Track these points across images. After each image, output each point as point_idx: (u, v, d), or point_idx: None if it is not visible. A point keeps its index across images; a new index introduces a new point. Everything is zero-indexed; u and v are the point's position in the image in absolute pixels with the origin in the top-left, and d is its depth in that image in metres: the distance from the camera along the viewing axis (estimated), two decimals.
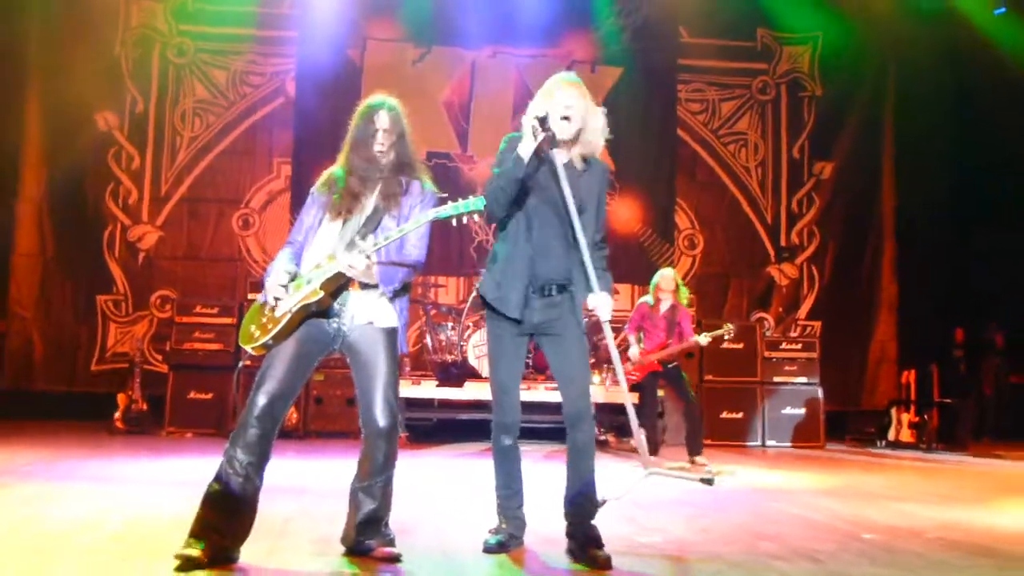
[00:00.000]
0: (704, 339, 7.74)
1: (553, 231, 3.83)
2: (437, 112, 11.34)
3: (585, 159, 3.93)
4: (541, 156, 3.77)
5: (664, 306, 7.98)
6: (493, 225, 3.98)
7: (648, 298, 8.08)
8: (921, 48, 11.45)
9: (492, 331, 3.95)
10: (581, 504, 3.80)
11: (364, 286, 3.65)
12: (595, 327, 9.43)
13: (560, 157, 3.80)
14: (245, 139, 11.28)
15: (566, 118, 3.78)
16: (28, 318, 10.64)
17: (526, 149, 3.73)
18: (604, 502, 3.80)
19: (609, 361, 9.50)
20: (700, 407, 8.29)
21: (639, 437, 3.86)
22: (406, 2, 11.17)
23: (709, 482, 3.91)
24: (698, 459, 7.62)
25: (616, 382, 9.23)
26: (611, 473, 6.62)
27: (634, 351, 7.96)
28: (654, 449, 7.79)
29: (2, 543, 3.78)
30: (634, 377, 7.92)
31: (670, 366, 7.86)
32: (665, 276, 8.06)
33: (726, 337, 8.11)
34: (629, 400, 3.97)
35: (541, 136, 3.70)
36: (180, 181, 11.11)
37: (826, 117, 12.10)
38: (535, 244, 3.82)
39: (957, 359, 11.64)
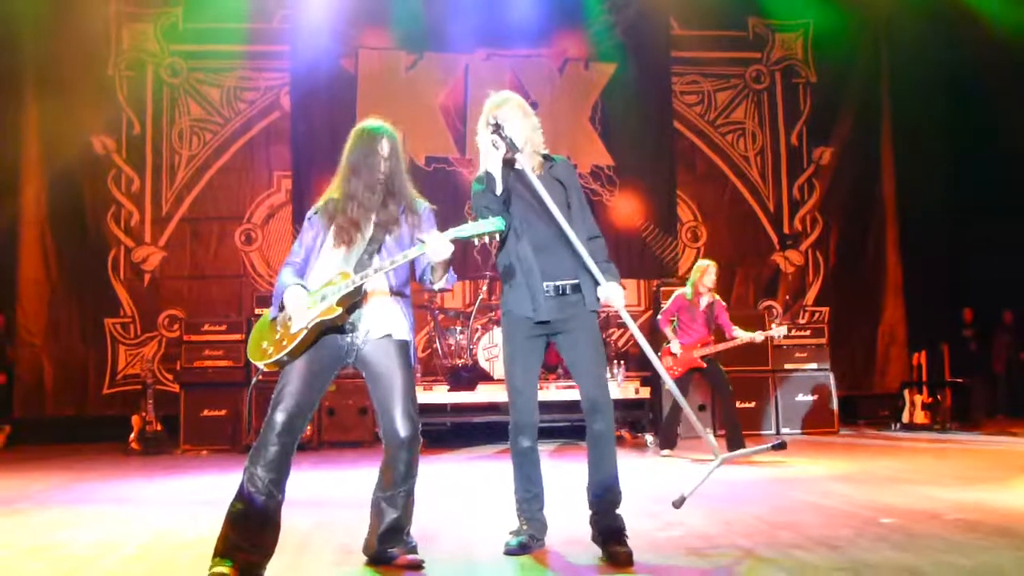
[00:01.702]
0: (760, 336, 7.73)
1: (545, 232, 3.86)
2: (433, 117, 11.36)
3: (544, 158, 4.01)
4: (508, 165, 3.83)
5: (704, 300, 7.84)
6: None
7: (687, 290, 7.89)
8: (912, 26, 11.43)
9: (507, 333, 3.98)
10: (603, 495, 3.82)
11: (376, 298, 3.67)
12: (605, 323, 9.46)
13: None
14: (243, 155, 11.33)
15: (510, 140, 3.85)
16: (37, 344, 10.69)
17: (494, 163, 3.82)
18: (683, 499, 3.81)
19: (617, 357, 9.50)
20: None
21: (698, 425, 3.88)
22: (396, 10, 11.20)
23: (782, 446, 3.99)
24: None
25: (630, 376, 9.26)
26: (659, 486, 6.60)
27: (676, 346, 7.79)
28: (671, 443, 7.75)
29: (23, 568, 3.79)
30: (676, 372, 7.75)
31: (709, 360, 7.74)
32: (708, 269, 7.83)
33: (778, 336, 8.08)
34: (673, 385, 4.03)
35: (503, 146, 3.78)
36: (181, 200, 11.15)
37: (822, 102, 12.10)
38: (533, 249, 3.85)
39: (967, 339, 11.63)
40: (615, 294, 3.82)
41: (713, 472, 3.85)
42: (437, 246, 3.50)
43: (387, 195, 3.76)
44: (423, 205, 3.84)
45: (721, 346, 7.76)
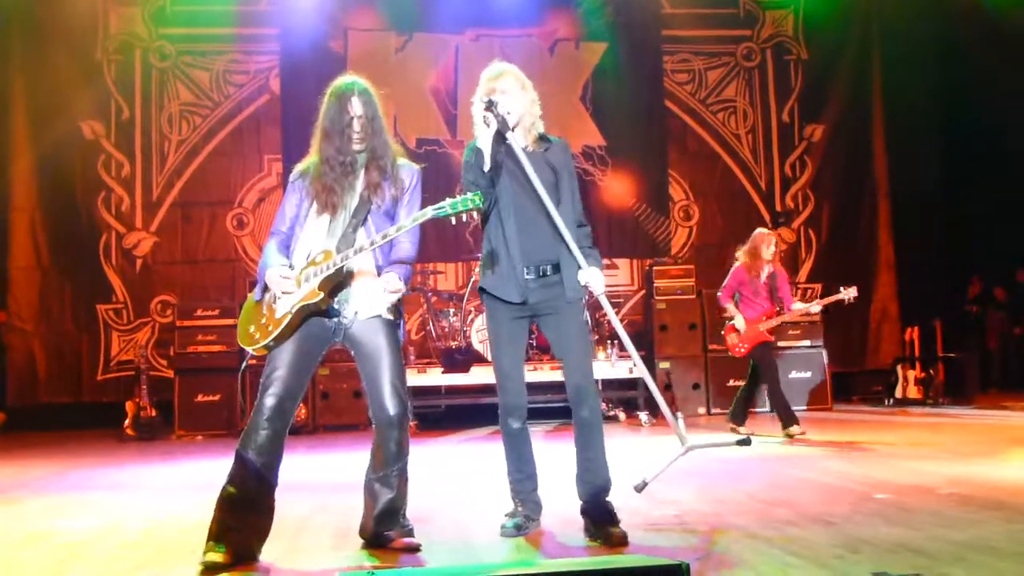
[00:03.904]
0: (816, 307, 7.60)
1: (531, 213, 3.83)
2: (424, 99, 11.31)
3: (540, 138, 3.97)
4: (500, 143, 3.77)
5: (765, 271, 7.50)
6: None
7: (745, 262, 7.54)
8: (903, 1, 11.41)
9: (491, 317, 3.98)
10: (592, 482, 3.82)
11: (363, 277, 3.65)
12: (597, 304, 9.44)
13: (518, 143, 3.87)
14: (233, 139, 11.28)
15: (507, 112, 3.80)
16: (29, 331, 10.66)
17: (485, 140, 3.75)
18: (645, 484, 3.82)
19: (611, 337, 9.50)
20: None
21: (667, 413, 3.85)
22: None
23: (746, 442, 3.96)
24: (741, 429, 7.46)
25: (624, 356, 9.24)
26: (647, 453, 6.67)
27: (740, 321, 7.46)
28: (793, 420, 7.28)
29: (21, 556, 3.79)
30: (742, 350, 7.52)
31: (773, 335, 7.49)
32: (768, 240, 7.50)
33: (846, 300, 7.52)
34: (648, 376, 4.00)
35: (494, 123, 3.72)
36: (171, 185, 11.11)
37: (814, 79, 12.05)
38: (517, 229, 3.83)
39: (972, 313, 11.68)
40: (595, 279, 3.79)
41: (677, 460, 3.84)
42: (387, 285, 3.49)
43: (369, 159, 3.69)
44: (409, 170, 3.76)
45: (785, 318, 7.49)
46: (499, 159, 3.79)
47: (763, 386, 7.85)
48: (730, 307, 7.56)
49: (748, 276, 7.50)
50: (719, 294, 7.72)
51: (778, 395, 7.44)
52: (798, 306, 7.51)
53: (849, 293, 7.44)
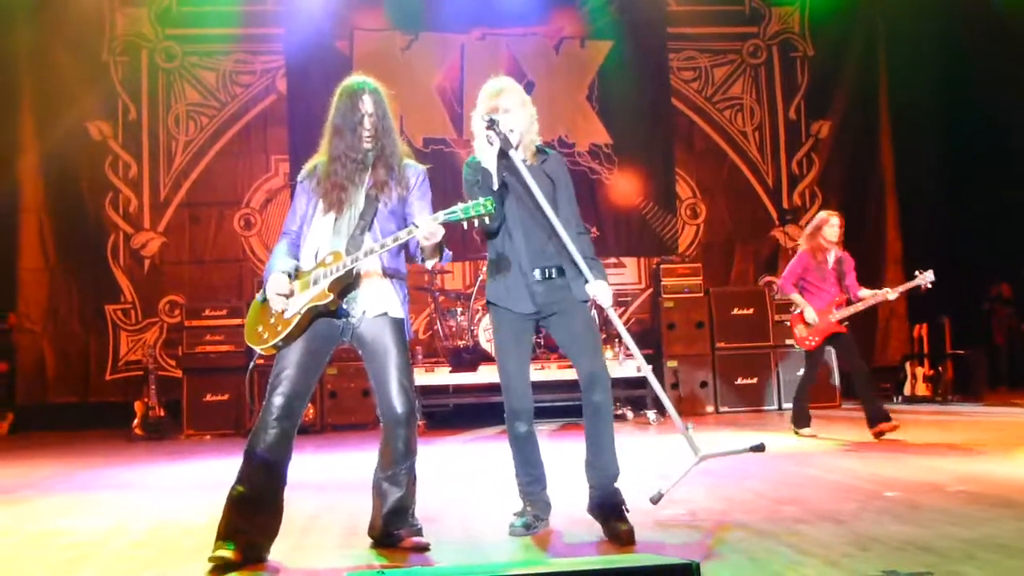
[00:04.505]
0: (892, 294, 7.02)
1: (533, 225, 3.86)
2: (430, 98, 11.30)
3: (538, 150, 4.00)
4: (502, 160, 3.80)
5: (832, 256, 7.14)
6: None
7: (806, 243, 7.20)
8: None
9: (496, 321, 3.99)
10: (602, 468, 3.83)
11: (370, 278, 3.65)
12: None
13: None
14: (240, 139, 11.29)
15: (510, 129, 3.84)
16: (38, 332, 10.69)
17: (490, 160, 3.78)
18: (660, 496, 3.82)
19: (618, 336, 9.48)
20: None
21: (680, 424, 3.84)
22: None
23: (760, 448, 3.92)
24: (885, 425, 6.78)
25: (629, 355, 9.22)
26: (655, 452, 6.68)
27: (810, 313, 7.03)
28: (805, 422, 7.19)
29: (29, 555, 3.80)
30: (812, 343, 7.12)
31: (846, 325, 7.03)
32: (829, 221, 7.12)
33: (923, 286, 6.95)
34: (655, 379, 3.99)
35: (497, 142, 3.75)
36: (178, 186, 11.13)
37: (820, 76, 12.01)
38: (522, 239, 3.86)
39: (986, 310, 11.66)
40: (603, 293, 3.82)
41: (690, 471, 3.83)
42: (427, 231, 3.42)
43: (377, 158, 3.70)
44: (415, 170, 3.78)
45: (859, 306, 7.07)
46: (502, 175, 3.81)
47: (853, 372, 7.24)
48: (795, 296, 7.16)
49: (814, 261, 7.12)
50: (780, 282, 7.36)
51: (804, 394, 7.33)
52: (865, 292, 7.07)
53: (925, 278, 6.92)
